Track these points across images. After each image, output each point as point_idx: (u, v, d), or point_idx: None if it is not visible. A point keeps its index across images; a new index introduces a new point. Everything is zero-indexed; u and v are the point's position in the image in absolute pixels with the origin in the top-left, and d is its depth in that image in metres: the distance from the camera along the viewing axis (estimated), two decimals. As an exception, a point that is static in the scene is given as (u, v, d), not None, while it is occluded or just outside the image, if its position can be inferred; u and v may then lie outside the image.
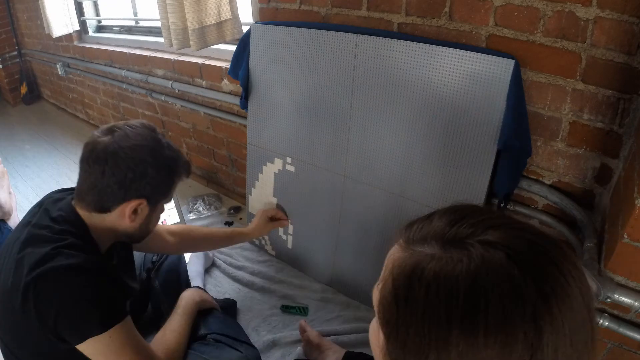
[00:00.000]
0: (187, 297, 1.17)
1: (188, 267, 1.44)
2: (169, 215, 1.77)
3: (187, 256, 1.50)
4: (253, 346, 1.17)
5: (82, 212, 0.86)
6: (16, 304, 0.77)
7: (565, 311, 0.34)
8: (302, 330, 1.21)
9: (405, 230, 0.43)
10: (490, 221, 0.39)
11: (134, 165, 0.81)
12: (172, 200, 1.76)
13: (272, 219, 1.48)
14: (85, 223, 0.85)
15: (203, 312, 1.19)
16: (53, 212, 0.86)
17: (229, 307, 1.36)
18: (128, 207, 0.84)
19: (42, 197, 0.96)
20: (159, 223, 1.04)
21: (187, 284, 1.36)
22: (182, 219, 1.79)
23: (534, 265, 0.35)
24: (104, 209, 0.84)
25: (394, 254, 0.42)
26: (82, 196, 0.85)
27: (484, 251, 0.36)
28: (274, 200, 1.54)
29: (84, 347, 0.79)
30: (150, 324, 1.25)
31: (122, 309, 0.83)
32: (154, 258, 1.34)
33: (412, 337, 0.36)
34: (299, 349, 1.21)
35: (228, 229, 1.68)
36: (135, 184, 0.83)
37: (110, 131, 0.83)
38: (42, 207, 0.89)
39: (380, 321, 0.40)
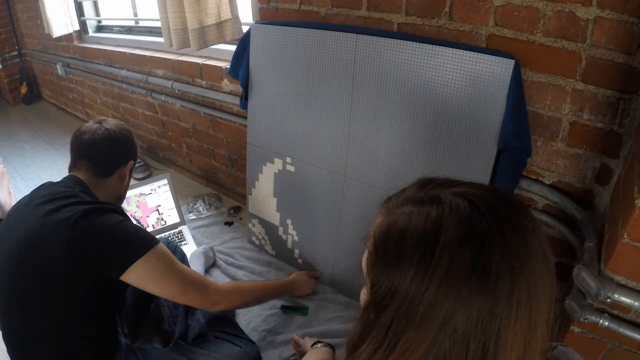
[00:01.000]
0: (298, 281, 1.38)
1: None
2: (169, 216, 1.78)
3: (188, 256, 1.50)
4: (253, 342, 1.17)
5: (84, 177, 1.04)
6: (55, 251, 0.84)
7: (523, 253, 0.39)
8: (297, 345, 1.15)
9: (385, 203, 0.48)
10: (454, 182, 0.45)
11: (127, 136, 1.13)
12: (172, 200, 1.77)
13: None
14: (88, 186, 1.03)
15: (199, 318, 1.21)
16: (57, 183, 1.02)
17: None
18: (126, 168, 1.12)
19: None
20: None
21: None
22: (182, 219, 1.79)
23: (495, 211, 0.40)
24: (108, 173, 1.08)
25: (376, 223, 0.46)
26: (86, 164, 1.05)
27: (452, 199, 0.41)
28: (275, 200, 1.54)
29: (131, 273, 0.86)
30: (152, 328, 1.25)
31: (153, 236, 0.95)
32: None
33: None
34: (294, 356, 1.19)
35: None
36: (127, 151, 1.13)
37: (99, 122, 1.11)
38: (42, 187, 1.03)
39: (368, 282, 0.44)
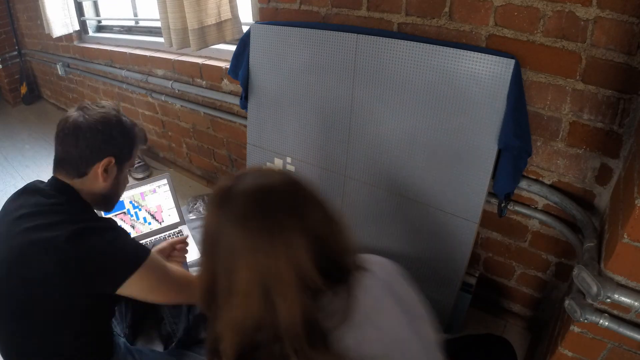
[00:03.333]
0: None
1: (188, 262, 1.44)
2: (169, 215, 1.77)
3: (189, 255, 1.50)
4: None
5: (66, 179, 0.95)
6: (42, 272, 0.82)
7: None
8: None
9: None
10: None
11: (102, 129, 0.95)
12: (172, 199, 1.77)
13: None
14: (74, 188, 0.95)
15: (202, 315, 1.19)
16: (42, 190, 0.95)
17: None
18: (100, 166, 0.95)
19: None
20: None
21: None
22: (182, 219, 1.79)
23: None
24: (81, 173, 0.95)
25: None
26: (62, 165, 0.95)
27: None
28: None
29: (126, 288, 0.86)
30: (152, 329, 1.24)
31: (144, 247, 0.93)
32: None
33: None
34: None
35: None
36: (104, 146, 0.95)
37: (80, 108, 0.97)
38: (25, 192, 0.96)
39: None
